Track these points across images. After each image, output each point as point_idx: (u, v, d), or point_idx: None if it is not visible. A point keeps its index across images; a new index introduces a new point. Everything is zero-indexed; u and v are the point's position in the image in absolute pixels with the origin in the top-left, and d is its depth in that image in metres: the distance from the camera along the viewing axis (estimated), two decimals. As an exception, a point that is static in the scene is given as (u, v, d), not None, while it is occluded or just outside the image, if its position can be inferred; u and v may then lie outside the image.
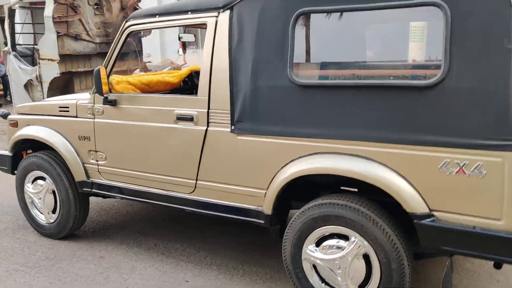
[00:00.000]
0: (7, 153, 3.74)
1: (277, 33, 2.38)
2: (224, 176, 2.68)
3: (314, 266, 2.43)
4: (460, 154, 1.97)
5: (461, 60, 1.95)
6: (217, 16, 2.62)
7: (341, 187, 2.52)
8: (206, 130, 2.68)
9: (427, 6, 2.02)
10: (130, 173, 3.08)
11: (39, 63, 6.91)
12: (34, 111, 3.56)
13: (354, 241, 2.26)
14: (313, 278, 2.43)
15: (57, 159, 3.42)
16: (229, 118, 2.58)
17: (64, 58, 6.85)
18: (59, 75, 6.76)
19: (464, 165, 1.97)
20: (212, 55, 2.63)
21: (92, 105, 3.16)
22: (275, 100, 2.43)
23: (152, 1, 11.97)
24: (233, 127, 2.57)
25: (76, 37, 6.96)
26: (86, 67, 7.31)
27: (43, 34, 7.04)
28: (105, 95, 2.99)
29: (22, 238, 3.62)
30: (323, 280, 2.43)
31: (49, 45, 6.67)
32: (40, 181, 3.53)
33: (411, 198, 2.10)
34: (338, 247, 2.31)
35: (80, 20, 7.05)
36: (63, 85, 7.17)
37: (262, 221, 2.57)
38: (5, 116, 3.80)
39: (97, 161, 3.23)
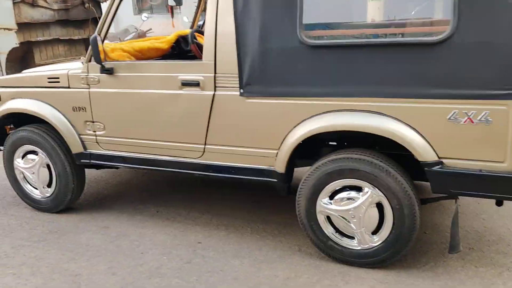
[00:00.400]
0: (-11, 128, 3.58)
1: (285, -7, 2.40)
2: (234, 139, 2.74)
3: (328, 218, 2.59)
4: (468, 105, 2.15)
5: (468, 16, 2.08)
6: (218, -24, 2.60)
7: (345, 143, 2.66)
8: (214, 94, 2.70)
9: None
10: (132, 141, 3.07)
11: (-8, 33, 6.48)
12: (19, 84, 3.41)
13: (368, 191, 2.42)
14: (328, 229, 2.60)
15: (50, 132, 3.32)
16: (237, 82, 2.62)
17: (21, 27, 6.46)
18: (17, 45, 6.38)
19: (471, 114, 2.15)
20: (216, 19, 2.62)
21: (86, 74, 3.07)
22: (285, 61, 2.48)
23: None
24: (241, 91, 2.61)
25: (33, 4, 6.55)
26: (45, 35, 6.93)
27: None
28: (102, 64, 2.91)
29: (16, 215, 3.54)
30: (336, 230, 2.60)
31: (4, 13, 6.24)
32: (31, 156, 3.42)
33: (422, 148, 2.27)
34: (352, 199, 2.47)
35: (35, -16, 6.62)
36: (21, 56, 6.79)
37: (275, 180, 2.67)
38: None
39: (94, 131, 3.17)
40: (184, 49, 3.74)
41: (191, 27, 4.17)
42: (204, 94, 2.73)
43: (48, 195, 3.47)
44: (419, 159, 2.28)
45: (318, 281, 2.49)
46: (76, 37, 7.41)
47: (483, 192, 2.26)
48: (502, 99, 2.08)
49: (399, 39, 2.37)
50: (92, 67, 3.04)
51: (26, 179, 3.54)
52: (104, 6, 8.18)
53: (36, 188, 3.52)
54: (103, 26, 2.98)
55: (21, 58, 6.77)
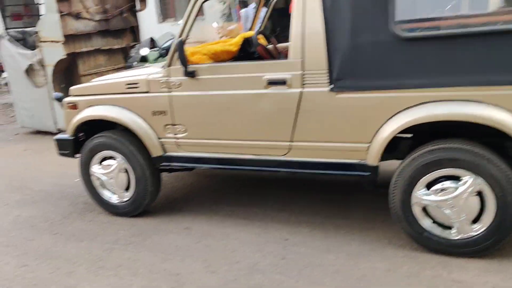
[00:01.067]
0: (68, 136, 3.67)
1: (377, -11, 2.44)
2: (322, 134, 2.77)
3: (424, 209, 2.60)
4: None
5: None
6: (305, -22, 2.65)
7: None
8: (301, 92, 2.74)
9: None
10: (216, 142, 3.12)
11: (38, 46, 6.63)
12: (95, 91, 3.50)
13: (468, 180, 2.43)
14: (424, 220, 2.61)
15: (128, 137, 3.41)
16: (326, 78, 2.66)
17: (67, 38, 6.60)
18: (64, 56, 6.52)
19: None
20: (304, 17, 2.67)
21: (167, 78, 3.14)
22: (378, 54, 2.51)
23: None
24: (332, 86, 2.65)
25: (77, 16, 6.69)
26: (87, 47, 7.07)
27: (37, 15, 6.73)
28: (187, 67, 2.98)
29: (94, 220, 3.62)
30: (433, 221, 2.61)
31: (51, 26, 6.39)
32: (109, 161, 3.50)
33: (526, 135, 2.28)
34: (451, 188, 2.48)
35: (79, -3, 6.77)
36: (65, 67, 6.94)
37: (368, 173, 2.70)
38: (60, 99, 3.71)
39: (175, 134, 3.24)
40: (249, 51, 3.80)
41: (250, 29, 4.24)
42: (291, 92, 2.77)
43: (126, 199, 3.54)
44: (525, 145, 2.29)
45: (419, 272, 2.51)
46: (115, 47, 7.54)
47: None
48: None
49: (495, 27, 2.38)
50: (173, 71, 3.11)
51: (103, 185, 3.62)
52: (140, 15, 8.32)
53: (114, 193, 3.60)
54: (182, 32, 3.04)
55: (65, 69, 6.92)
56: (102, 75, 4.95)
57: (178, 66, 3.09)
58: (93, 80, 3.89)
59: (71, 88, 3.70)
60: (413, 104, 2.49)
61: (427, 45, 2.41)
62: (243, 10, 8.26)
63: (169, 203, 3.84)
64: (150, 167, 3.41)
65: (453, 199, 2.48)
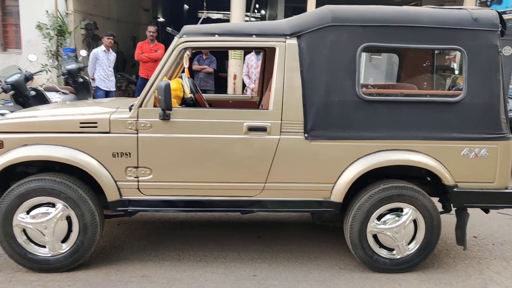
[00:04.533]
0: (-21, 180, 3.05)
1: (346, 59, 3.08)
2: (294, 176, 3.17)
3: (375, 236, 3.24)
4: (475, 145, 3.16)
5: (474, 85, 3.13)
6: (284, 42, 3.11)
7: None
8: (279, 138, 3.11)
9: (454, 50, 3.14)
10: (183, 184, 3.14)
11: None
12: (34, 129, 3.06)
13: (408, 211, 3.19)
14: (375, 246, 3.24)
15: (75, 181, 3.09)
16: (302, 128, 3.11)
17: None
18: None
19: (477, 151, 3.17)
20: (284, 75, 3.10)
21: (136, 119, 3.06)
22: (345, 111, 3.12)
23: None
24: (306, 135, 3.11)
25: None
26: None
27: None
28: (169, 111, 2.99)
29: (16, 280, 3.05)
30: (380, 245, 3.26)
31: None
32: (42, 209, 3.06)
33: (446, 175, 3.17)
34: (396, 218, 3.19)
35: None
36: None
37: (332, 209, 3.20)
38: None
39: (136, 177, 3.11)
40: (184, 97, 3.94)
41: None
42: (270, 138, 3.11)
43: (62, 251, 3.13)
44: (446, 183, 3.18)
45: (381, 287, 3.09)
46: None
47: (481, 204, 3.29)
48: (493, 140, 3.16)
49: (429, 98, 3.26)
50: (144, 112, 3.06)
51: (28, 237, 3.11)
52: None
53: (43, 246, 3.12)
54: (158, 75, 3.07)
55: None
56: None
57: (150, 108, 3.06)
58: (12, 114, 3.36)
59: (-5, 123, 3.13)
60: (370, 152, 3.15)
61: (380, 107, 3.14)
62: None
63: (99, 252, 3.51)
64: (101, 213, 3.14)
65: (398, 226, 3.19)
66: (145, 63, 8.11)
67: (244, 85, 8.07)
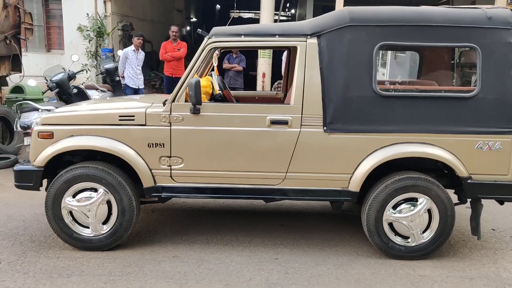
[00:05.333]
0: (33, 167, 3.44)
1: (363, 57, 3.27)
2: (314, 166, 3.39)
3: (390, 224, 3.42)
4: (488, 138, 3.29)
5: (487, 81, 3.26)
6: (305, 41, 3.34)
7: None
8: (300, 131, 3.34)
9: (468, 48, 3.28)
10: (213, 173, 3.42)
11: None
12: (79, 121, 3.43)
13: (423, 201, 3.35)
14: (390, 233, 3.42)
15: (115, 168, 3.43)
16: (321, 121, 3.33)
17: None
18: None
19: (491, 144, 3.30)
20: (305, 72, 3.33)
21: (169, 113, 3.36)
22: (362, 106, 3.31)
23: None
24: (325, 128, 3.33)
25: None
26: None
27: None
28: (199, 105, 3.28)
29: (63, 256, 3.42)
30: (395, 233, 3.44)
31: None
32: (86, 193, 3.42)
33: (460, 167, 3.32)
34: (411, 207, 3.37)
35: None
36: None
37: (350, 198, 3.41)
38: (26, 127, 3.45)
39: (169, 165, 3.42)
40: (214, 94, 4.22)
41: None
42: (291, 131, 3.34)
43: (103, 232, 3.47)
44: (459, 174, 3.33)
45: (395, 272, 3.27)
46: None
47: (495, 195, 3.41)
48: (507, 134, 3.28)
49: (442, 93, 3.40)
50: (176, 106, 3.36)
51: (74, 218, 3.48)
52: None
53: (87, 227, 3.48)
54: (189, 74, 3.36)
55: None
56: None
57: (181, 103, 3.36)
58: (59, 109, 3.74)
59: (44, 116, 3.52)
60: (386, 144, 3.33)
61: (396, 102, 3.32)
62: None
63: (135, 235, 3.85)
64: (137, 198, 3.48)
65: (413, 215, 3.36)
66: (169, 62, 8.45)
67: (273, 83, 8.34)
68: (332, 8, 8.65)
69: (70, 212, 3.46)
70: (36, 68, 9.51)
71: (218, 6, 24.58)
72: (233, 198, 3.55)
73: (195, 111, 3.33)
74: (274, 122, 3.35)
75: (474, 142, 3.31)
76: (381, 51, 3.38)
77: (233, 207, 4.63)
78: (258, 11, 11.37)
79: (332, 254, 3.57)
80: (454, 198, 3.53)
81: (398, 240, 3.45)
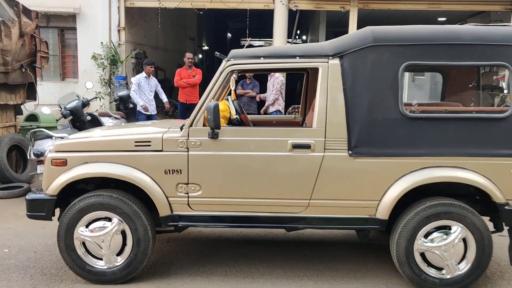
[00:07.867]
0: (45, 196, 3.31)
1: (389, 78, 3.13)
2: (339, 192, 3.21)
3: (422, 254, 3.19)
4: (525, 161, 3.10)
5: (521, 102, 3.09)
6: (327, 62, 3.21)
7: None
8: (323, 156, 3.18)
9: (499, 67, 3.13)
10: (230, 200, 3.26)
11: None
12: (93, 148, 3.31)
13: (457, 229, 3.13)
14: (423, 264, 3.19)
15: (130, 196, 3.28)
16: (346, 145, 3.16)
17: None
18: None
19: (527, 167, 3.10)
20: (327, 94, 3.19)
21: (186, 138, 3.23)
22: (389, 129, 3.15)
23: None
24: (350, 152, 3.16)
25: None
26: (-20, 100, 6.26)
27: None
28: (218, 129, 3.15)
29: (76, 290, 3.24)
30: (428, 264, 3.21)
31: None
32: (99, 223, 3.27)
33: (496, 193, 3.11)
34: (444, 236, 3.14)
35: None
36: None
37: (378, 226, 3.20)
38: (40, 154, 3.35)
39: (186, 193, 3.27)
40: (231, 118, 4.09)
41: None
42: (314, 155, 3.18)
43: (117, 264, 3.30)
44: (496, 201, 3.11)
45: (429, 307, 3.03)
46: (11, 103, 6.80)
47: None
48: (543, 157, 3.09)
49: (475, 114, 3.23)
50: (194, 131, 3.23)
51: (87, 249, 3.31)
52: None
53: (100, 259, 3.31)
54: (207, 97, 3.24)
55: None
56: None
57: (199, 127, 3.23)
58: (73, 135, 3.64)
59: (57, 143, 3.41)
60: (415, 168, 3.14)
61: (425, 124, 3.14)
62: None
63: (150, 267, 3.66)
64: (153, 228, 3.31)
65: (447, 245, 3.13)
66: (184, 88, 8.42)
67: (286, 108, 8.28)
68: (344, 33, 8.61)
69: (83, 243, 3.30)
70: (50, 96, 9.55)
71: (229, 35, 24.93)
72: (253, 227, 3.37)
73: (214, 135, 3.19)
74: (296, 146, 3.19)
75: (509, 166, 3.11)
76: (406, 72, 3.23)
77: (251, 236, 4.42)
78: (269, 39, 11.39)
79: (359, 287, 3.34)
80: (490, 225, 3.30)
81: (431, 272, 3.21)
